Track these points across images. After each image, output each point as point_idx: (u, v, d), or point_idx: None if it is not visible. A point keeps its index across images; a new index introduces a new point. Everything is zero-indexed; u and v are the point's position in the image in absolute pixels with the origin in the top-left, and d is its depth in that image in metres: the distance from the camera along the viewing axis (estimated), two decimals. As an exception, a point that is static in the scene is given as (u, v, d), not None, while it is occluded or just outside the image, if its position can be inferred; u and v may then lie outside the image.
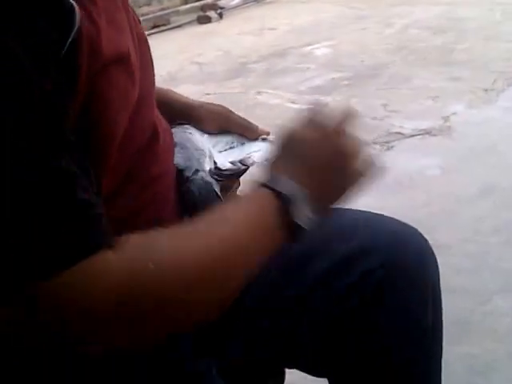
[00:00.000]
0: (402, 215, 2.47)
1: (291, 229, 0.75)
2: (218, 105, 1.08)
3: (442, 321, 1.03)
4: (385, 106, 3.63)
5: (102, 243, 0.62)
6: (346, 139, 0.81)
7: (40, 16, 0.61)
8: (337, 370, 1.00)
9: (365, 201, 2.49)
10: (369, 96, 3.80)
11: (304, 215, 0.75)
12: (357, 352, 0.97)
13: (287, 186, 0.75)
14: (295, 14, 6.25)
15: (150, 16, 6.39)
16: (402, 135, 3.24)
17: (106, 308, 0.62)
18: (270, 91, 4.09)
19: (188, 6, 6.78)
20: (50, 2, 0.62)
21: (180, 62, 4.97)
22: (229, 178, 1.00)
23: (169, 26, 6.39)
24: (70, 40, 0.62)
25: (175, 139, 0.97)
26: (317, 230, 0.81)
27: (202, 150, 0.99)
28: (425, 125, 3.31)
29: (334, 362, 0.99)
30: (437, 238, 2.25)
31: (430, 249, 1.02)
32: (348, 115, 0.84)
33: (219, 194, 0.95)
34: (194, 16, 6.50)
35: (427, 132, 3.24)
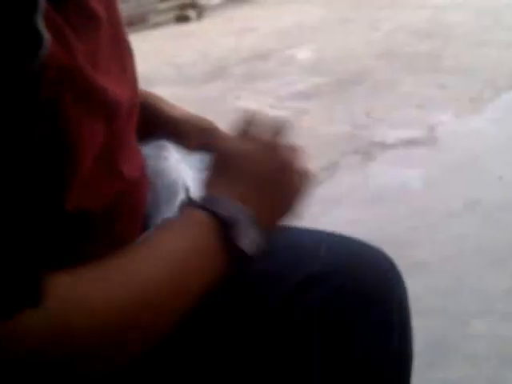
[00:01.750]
0: (381, 229, 2.40)
1: (235, 253, 0.70)
2: (204, 119, 1.02)
3: (410, 345, 1.00)
4: (368, 113, 3.56)
5: (25, 303, 0.58)
6: (282, 151, 0.80)
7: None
8: None
9: (341, 213, 2.51)
10: (351, 103, 3.74)
11: (248, 237, 0.71)
12: (316, 380, 0.93)
13: (226, 206, 0.71)
14: (278, 15, 6.19)
15: (126, 13, 6.26)
16: (384, 145, 3.16)
17: (27, 368, 0.60)
18: (249, 96, 3.99)
19: (166, 3, 6.67)
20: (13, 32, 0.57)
21: (155, 63, 4.88)
22: None
23: (145, 25, 6.27)
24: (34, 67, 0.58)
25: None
26: (273, 253, 0.80)
27: (174, 186, 0.88)
28: (409, 134, 3.25)
29: None
30: (416, 254, 2.23)
31: (396, 270, 1.00)
32: (282, 126, 0.83)
33: None
34: (172, 15, 6.41)
35: (411, 142, 3.18)
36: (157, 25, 6.26)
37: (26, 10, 0.58)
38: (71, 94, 0.63)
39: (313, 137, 3.27)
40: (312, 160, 2.76)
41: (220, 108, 3.71)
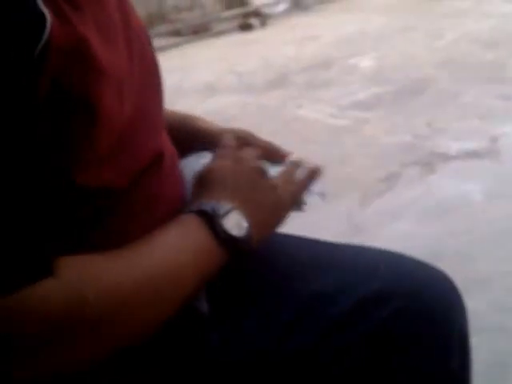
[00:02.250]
0: (441, 243, 2.36)
1: (226, 241, 0.77)
2: (240, 129, 1.06)
3: (470, 370, 0.98)
4: (429, 124, 3.49)
5: (40, 272, 0.63)
6: (252, 161, 0.89)
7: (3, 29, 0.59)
8: None
9: (401, 225, 2.48)
10: (413, 113, 3.68)
11: (233, 223, 0.78)
12: None
13: (210, 204, 0.79)
14: (340, 23, 6.14)
15: (191, 22, 6.33)
16: (445, 156, 3.09)
17: (41, 335, 0.63)
18: (310, 105, 3.98)
19: (230, 12, 6.71)
20: (16, 12, 0.60)
21: (219, 71, 4.91)
22: None
23: (209, 33, 6.32)
24: (38, 50, 0.61)
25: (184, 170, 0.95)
26: (329, 271, 0.91)
27: None
28: (471, 146, 3.17)
29: None
30: (477, 269, 2.17)
31: (457, 291, 0.98)
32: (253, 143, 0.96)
33: None
34: (236, 23, 6.45)
35: (473, 154, 3.10)
36: (220, 33, 6.33)
37: None
38: (79, 65, 0.65)
39: (373, 147, 3.26)
40: (372, 171, 2.75)
41: (281, 116, 3.74)
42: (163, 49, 5.88)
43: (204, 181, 0.86)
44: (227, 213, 0.78)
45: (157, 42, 6.07)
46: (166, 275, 0.73)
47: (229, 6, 6.87)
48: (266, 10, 6.72)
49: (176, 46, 6.02)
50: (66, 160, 0.68)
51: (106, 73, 0.69)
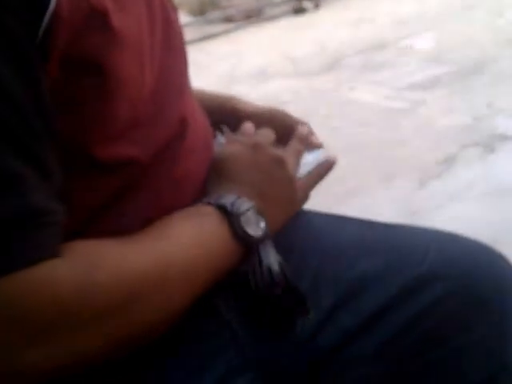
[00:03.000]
0: (501, 227, 2.29)
1: (242, 240, 0.75)
2: (275, 109, 1.04)
3: None
4: (489, 104, 3.39)
5: (48, 253, 0.60)
6: (270, 149, 0.86)
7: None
8: None
9: (459, 208, 2.42)
10: (472, 93, 3.58)
11: (252, 222, 0.76)
12: None
13: (229, 198, 0.76)
14: (397, 2, 6.01)
15: (243, 7, 6.31)
16: (506, 137, 3.00)
17: (47, 317, 0.60)
18: (364, 87, 3.91)
19: (283, -4, 6.66)
20: None
21: (271, 55, 4.88)
22: None
23: (262, 18, 6.29)
24: (44, 25, 0.59)
25: None
26: (378, 251, 0.88)
27: None
28: None
29: None
30: None
31: None
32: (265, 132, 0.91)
33: None
34: (289, 7, 6.39)
35: None
36: (273, 17, 6.27)
37: None
38: (92, 34, 0.63)
39: (430, 129, 3.19)
40: (429, 153, 2.70)
41: (335, 100, 3.69)
42: (216, 35, 5.88)
43: (221, 169, 0.83)
44: (247, 211, 0.76)
45: (209, 29, 6.09)
46: (179, 265, 0.70)
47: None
48: (320, -7, 6.65)
49: (228, 32, 6.01)
50: (82, 133, 0.65)
51: (123, 41, 0.66)
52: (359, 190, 2.67)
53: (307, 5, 6.32)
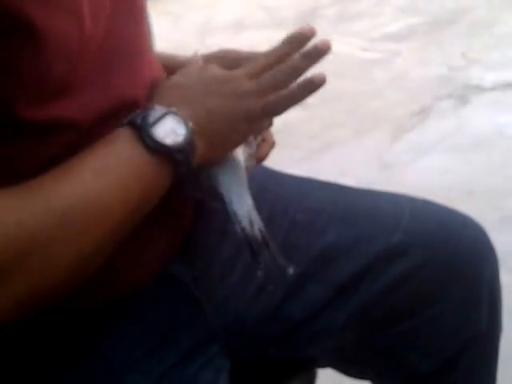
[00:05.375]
0: (474, 178, 2.31)
1: (158, 152, 0.64)
2: (223, 49, 0.90)
3: (500, 324, 0.92)
4: (464, 54, 3.38)
5: None
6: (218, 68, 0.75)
7: None
8: (378, 373, 0.92)
9: (433, 160, 2.43)
10: (447, 43, 3.56)
11: (167, 131, 0.64)
12: (399, 357, 0.89)
13: (142, 112, 0.66)
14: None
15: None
16: (480, 88, 3.00)
17: None
18: (339, 38, 3.86)
19: None
20: None
21: (247, 6, 4.79)
22: None
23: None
24: None
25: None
26: (351, 219, 0.83)
27: (245, 182, 0.79)
28: (507, 77, 3.06)
29: (374, 364, 0.92)
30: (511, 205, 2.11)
31: (488, 242, 0.91)
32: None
33: None
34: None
35: (509, 85, 3.00)
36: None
37: None
38: None
39: (405, 80, 3.17)
40: (403, 105, 2.69)
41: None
42: (190, -15, 5.77)
43: (158, 86, 0.73)
44: (160, 118, 0.65)
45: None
46: (80, 203, 0.61)
47: None
48: None
49: (204, -19, 5.90)
50: (7, 90, 0.58)
51: None
52: (332, 143, 2.65)
53: (282, -47, 6.21)
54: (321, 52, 0.71)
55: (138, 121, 0.64)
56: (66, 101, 0.62)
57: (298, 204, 0.90)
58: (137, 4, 0.74)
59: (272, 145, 0.87)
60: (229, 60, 0.79)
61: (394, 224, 0.88)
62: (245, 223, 0.73)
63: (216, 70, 0.74)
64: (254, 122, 0.72)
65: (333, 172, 2.34)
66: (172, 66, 0.82)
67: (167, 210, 0.72)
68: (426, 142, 2.59)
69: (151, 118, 0.64)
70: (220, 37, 4.24)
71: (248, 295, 0.79)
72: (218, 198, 0.74)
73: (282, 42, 0.72)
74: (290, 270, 0.75)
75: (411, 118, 2.78)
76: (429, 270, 0.86)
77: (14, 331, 0.66)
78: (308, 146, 2.59)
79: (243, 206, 0.74)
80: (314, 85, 0.70)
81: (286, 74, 0.71)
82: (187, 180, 0.71)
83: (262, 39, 4.11)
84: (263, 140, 0.85)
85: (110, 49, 0.66)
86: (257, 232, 0.72)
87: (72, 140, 0.64)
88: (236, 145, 0.74)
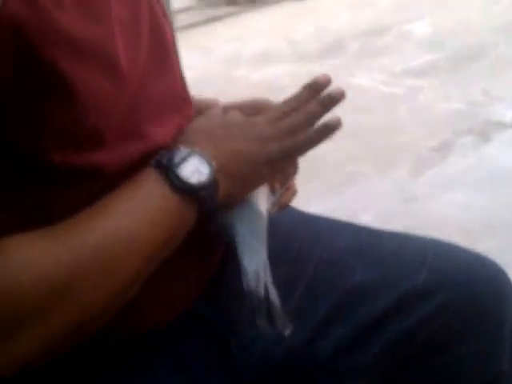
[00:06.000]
0: (496, 215, 2.29)
1: (183, 191, 0.66)
2: (254, 99, 0.89)
3: None
4: (485, 91, 3.40)
5: None
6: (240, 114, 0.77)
7: None
8: None
9: (454, 196, 2.44)
10: (468, 80, 3.59)
11: (192, 170, 0.67)
12: None
13: (168, 152, 0.68)
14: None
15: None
16: (502, 125, 3.01)
17: None
18: (363, 72, 3.92)
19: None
20: None
21: (272, 39, 4.87)
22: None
23: (263, 2, 6.28)
24: None
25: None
26: (374, 259, 0.83)
27: (263, 233, 0.78)
28: None
29: None
30: None
31: (508, 281, 0.91)
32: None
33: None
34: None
35: None
36: (276, 1, 6.25)
37: None
38: (42, 35, 0.57)
39: (426, 115, 3.19)
40: (425, 139, 2.67)
41: (334, 85, 3.68)
42: (220, 18, 5.87)
43: (185, 131, 0.74)
44: (184, 159, 0.67)
45: (214, 12, 6.06)
46: (116, 248, 0.63)
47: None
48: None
49: (232, 15, 6.01)
50: (42, 138, 0.60)
51: (84, 50, 0.61)
52: (354, 177, 2.66)
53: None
54: (335, 99, 0.74)
55: (165, 161, 0.67)
56: (97, 149, 0.64)
57: (325, 243, 0.92)
58: (170, 55, 0.77)
59: (294, 193, 0.90)
60: (247, 109, 0.81)
61: (419, 264, 0.89)
62: (250, 278, 0.73)
63: (237, 116, 0.77)
64: (274, 165, 0.75)
65: (355, 205, 2.37)
66: (196, 109, 0.83)
67: (195, 249, 0.74)
68: (448, 177, 2.60)
69: (176, 159, 0.67)
70: (246, 69, 4.32)
71: (274, 335, 0.77)
72: (232, 240, 0.75)
73: (300, 90, 0.76)
74: (286, 333, 0.73)
75: (432, 153, 2.79)
76: (452, 309, 0.86)
77: (39, 369, 0.68)
78: (330, 179, 2.59)
79: (253, 261, 0.74)
80: (330, 129, 0.73)
81: (304, 119, 0.74)
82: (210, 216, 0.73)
83: (285, 72, 4.18)
84: (287, 188, 0.87)
85: (143, 99, 0.69)
86: (260, 290, 0.73)
87: (101, 185, 0.66)
88: (257, 185, 0.77)
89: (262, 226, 0.77)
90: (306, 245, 0.91)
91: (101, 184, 0.65)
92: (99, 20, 0.63)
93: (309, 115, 0.74)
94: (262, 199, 0.78)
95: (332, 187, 2.56)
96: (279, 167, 0.78)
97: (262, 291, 0.72)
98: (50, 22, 0.57)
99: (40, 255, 0.59)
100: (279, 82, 3.82)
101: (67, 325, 0.60)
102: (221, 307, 0.82)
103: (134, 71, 0.66)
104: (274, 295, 0.73)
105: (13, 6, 0.55)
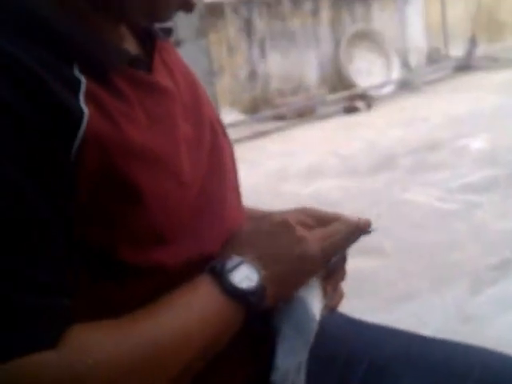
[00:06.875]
0: None
1: (234, 296, 0.75)
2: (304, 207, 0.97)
3: None
4: (547, 209, 3.26)
5: (42, 342, 0.62)
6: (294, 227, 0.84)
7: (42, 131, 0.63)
8: None
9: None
10: (529, 197, 3.46)
11: (242, 277, 0.75)
12: None
13: (221, 260, 0.77)
14: (451, 103, 6.01)
15: (295, 106, 6.37)
16: None
17: None
18: (417, 188, 3.83)
19: (335, 95, 6.71)
20: (54, 113, 0.64)
21: (321, 153, 4.87)
22: None
23: (314, 116, 6.34)
24: (76, 144, 0.65)
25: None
26: (422, 368, 0.88)
27: (309, 335, 0.83)
28: None
29: None
30: None
31: None
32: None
33: None
34: (341, 106, 6.44)
35: None
36: (325, 116, 6.33)
37: (71, 89, 0.66)
38: (118, 151, 0.68)
39: (484, 232, 3.09)
40: (483, 258, 2.56)
41: (385, 200, 3.63)
42: (268, 133, 5.93)
43: (235, 238, 0.83)
44: (236, 266, 0.76)
45: (262, 127, 6.16)
46: (172, 343, 0.71)
47: (333, 89, 6.89)
48: (372, 93, 6.68)
49: (280, 129, 6.07)
50: (112, 238, 0.69)
51: (151, 158, 0.72)
52: (409, 294, 2.57)
53: (359, 104, 6.34)
54: (364, 233, 0.86)
55: (218, 268, 0.75)
56: (161, 248, 0.73)
57: (375, 349, 0.95)
58: (227, 169, 0.88)
59: (342, 295, 0.94)
60: (302, 216, 0.89)
61: (465, 375, 0.89)
62: (278, 376, 0.79)
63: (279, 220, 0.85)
64: (315, 267, 0.83)
65: (411, 323, 2.25)
66: (249, 217, 0.93)
67: (243, 348, 0.81)
68: (507, 297, 2.46)
69: (229, 266, 0.76)
70: (295, 183, 4.29)
71: None
72: (275, 336, 0.81)
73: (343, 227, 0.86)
74: None
75: (491, 271, 2.66)
76: None
77: None
78: (385, 295, 2.53)
79: (288, 360, 0.80)
80: (360, 231, 0.86)
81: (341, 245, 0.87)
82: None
83: (336, 187, 4.13)
84: (335, 290, 0.92)
85: (201, 204, 0.79)
86: None
87: (161, 281, 0.73)
88: (298, 284, 0.83)
89: (311, 328, 0.82)
90: (357, 349, 0.94)
91: (161, 279, 0.74)
92: (168, 138, 0.76)
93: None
94: (316, 301, 0.83)
95: (385, 303, 2.47)
96: (320, 265, 0.85)
97: None
98: (126, 136, 0.69)
99: (105, 348, 0.66)
100: (329, 197, 3.77)
101: None
102: None
103: (195, 177, 0.78)
104: None
105: (95, 123, 0.66)
